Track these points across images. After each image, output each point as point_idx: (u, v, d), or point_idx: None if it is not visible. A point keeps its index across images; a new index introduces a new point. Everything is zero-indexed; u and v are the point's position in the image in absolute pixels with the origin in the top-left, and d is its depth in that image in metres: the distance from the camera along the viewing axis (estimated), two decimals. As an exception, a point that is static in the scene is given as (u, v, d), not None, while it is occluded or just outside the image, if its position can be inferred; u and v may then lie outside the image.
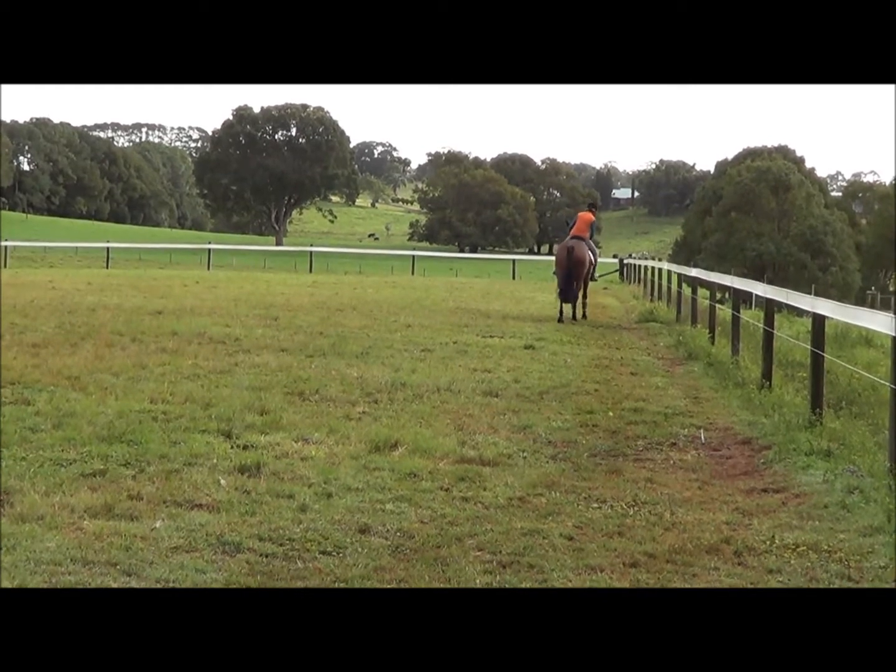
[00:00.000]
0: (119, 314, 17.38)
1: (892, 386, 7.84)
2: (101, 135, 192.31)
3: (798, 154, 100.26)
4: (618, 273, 46.86)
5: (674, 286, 23.74)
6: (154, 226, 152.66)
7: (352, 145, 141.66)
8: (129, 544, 5.72)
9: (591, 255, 21.60)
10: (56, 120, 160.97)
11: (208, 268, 47.73)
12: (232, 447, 8.11)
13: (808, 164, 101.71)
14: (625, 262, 46.99)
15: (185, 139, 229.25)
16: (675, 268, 24.78)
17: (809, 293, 11.03)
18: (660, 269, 28.74)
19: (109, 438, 8.08)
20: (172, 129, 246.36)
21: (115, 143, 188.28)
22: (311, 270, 48.99)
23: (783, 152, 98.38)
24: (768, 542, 6.25)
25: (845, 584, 5.62)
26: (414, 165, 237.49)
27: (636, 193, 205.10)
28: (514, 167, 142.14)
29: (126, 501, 6.52)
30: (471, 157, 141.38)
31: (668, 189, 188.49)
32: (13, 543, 5.61)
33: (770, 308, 12.55)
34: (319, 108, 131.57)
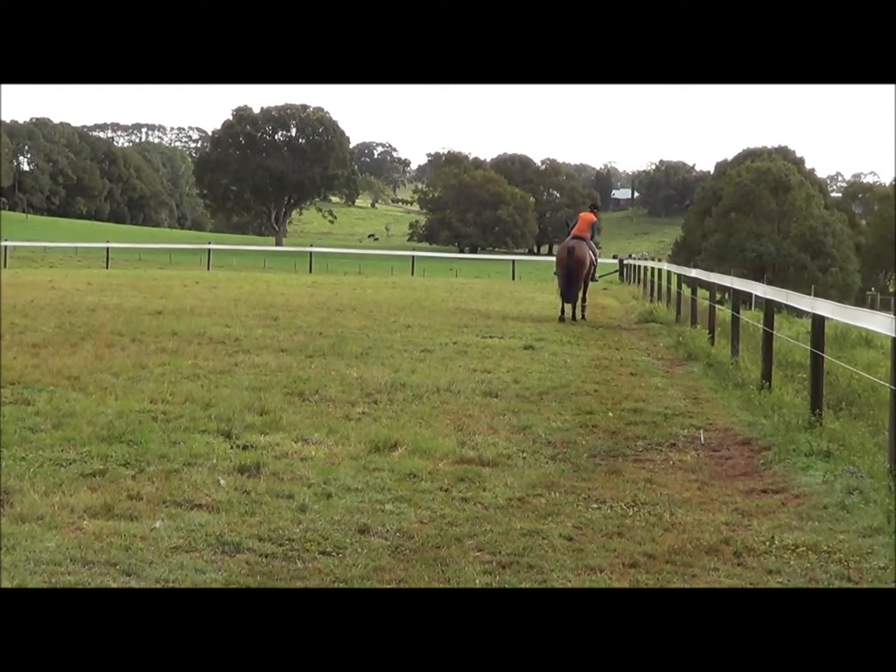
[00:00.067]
0: (119, 314, 17.39)
1: (892, 387, 7.83)
2: (101, 135, 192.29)
3: (798, 155, 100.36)
4: (617, 273, 46.86)
5: (673, 287, 23.74)
6: (154, 226, 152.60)
7: (352, 146, 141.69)
8: (128, 544, 5.72)
9: (592, 255, 21.64)
10: (56, 120, 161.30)
11: (208, 268, 47.72)
12: (232, 447, 8.11)
13: (808, 165, 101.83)
14: (624, 262, 46.99)
15: (184, 139, 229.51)
16: (674, 268, 24.77)
17: (809, 294, 11.02)
18: (659, 270, 28.73)
19: (109, 438, 8.08)
20: (172, 129, 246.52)
21: (115, 144, 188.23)
22: (310, 271, 48.98)
23: (783, 153, 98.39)
24: (768, 543, 6.25)
25: (845, 584, 5.61)
26: (414, 166, 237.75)
27: (636, 194, 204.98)
28: (513, 168, 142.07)
29: (126, 501, 6.52)
30: (471, 157, 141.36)
31: (667, 189, 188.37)
32: (13, 543, 5.61)
33: (770, 309, 12.55)
34: (319, 109, 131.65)
